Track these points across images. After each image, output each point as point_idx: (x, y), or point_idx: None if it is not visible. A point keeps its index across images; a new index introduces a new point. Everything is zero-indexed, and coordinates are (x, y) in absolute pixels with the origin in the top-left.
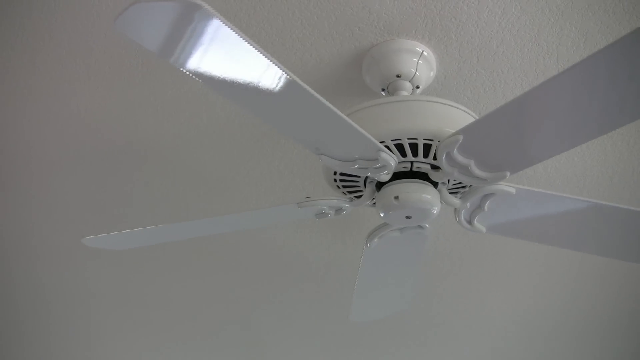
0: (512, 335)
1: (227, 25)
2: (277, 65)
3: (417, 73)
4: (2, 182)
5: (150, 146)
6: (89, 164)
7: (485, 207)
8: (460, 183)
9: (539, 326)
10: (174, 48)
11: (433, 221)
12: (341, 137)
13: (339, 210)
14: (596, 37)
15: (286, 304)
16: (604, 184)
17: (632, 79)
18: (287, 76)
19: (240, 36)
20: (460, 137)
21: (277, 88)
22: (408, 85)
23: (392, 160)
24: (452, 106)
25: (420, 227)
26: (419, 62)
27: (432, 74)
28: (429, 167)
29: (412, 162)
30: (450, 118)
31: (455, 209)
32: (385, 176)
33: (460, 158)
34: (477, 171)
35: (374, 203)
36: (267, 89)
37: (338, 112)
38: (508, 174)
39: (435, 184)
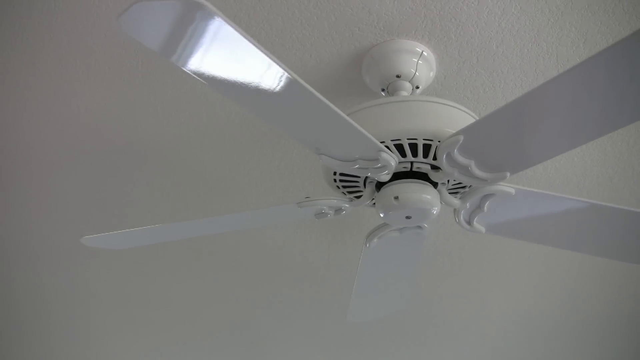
0: (512, 335)
1: (229, 24)
2: (278, 65)
3: (416, 73)
4: (2, 182)
5: (150, 146)
6: (89, 164)
7: (485, 208)
8: (459, 183)
9: (539, 326)
10: (176, 47)
11: (432, 221)
12: (342, 137)
13: (338, 210)
14: (596, 37)
15: (286, 304)
16: (604, 184)
17: (632, 81)
18: (289, 75)
19: (242, 35)
20: (461, 138)
21: (279, 87)
22: (408, 85)
23: (393, 161)
24: (451, 106)
25: (419, 227)
26: (419, 62)
27: (431, 74)
28: (429, 167)
29: (412, 163)
30: (450, 118)
31: (454, 210)
32: (385, 176)
33: (460, 158)
34: (478, 171)
35: (374, 203)
36: (269, 88)
37: (339, 111)
38: (508, 174)
39: (435, 184)
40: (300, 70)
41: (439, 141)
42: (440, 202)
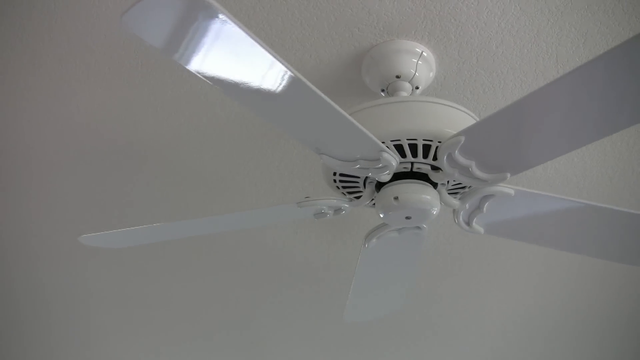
0: (511, 336)
1: (234, 21)
2: (281, 63)
3: (416, 74)
4: (2, 182)
5: (150, 146)
6: (89, 164)
7: (484, 209)
8: (459, 184)
9: (539, 326)
10: (179, 45)
11: (431, 222)
12: (343, 137)
13: (338, 210)
14: (595, 37)
15: (286, 304)
16: (604, 185)
17: (632, 83)
18: (292, 74)
19: (246, 32)
20: (462, 138)
21: (281, 85)
22: (407, 85)
23: (394, 161)
24: (451, 107)
25: (418, 227)
26: (419, 62)
27: (431, 74)
28: (429, 167)
29: (412, 163)
30: (449, 119)
31: (454, 210)
32: (385, 177)
33: (461, 159)
34: (478, 172)
35: (374, 204)
36: (271, 86)
37: (341, 111)
38: (509, 175)
39: (434, 185)
40: (300, 70)
41: (439, 142)
42: (440, 203)
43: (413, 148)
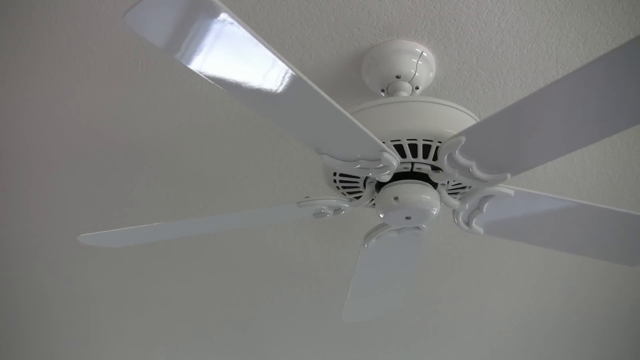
0: (511, 336)
1: (236, 20)
2: (283, 62)
3: (416, 74)
4: (2, 182)
5: (150, 146)
6: (88, 164)
7: (484, 209)
8: (459, 184)
9: (539, 326)
10: (181, 43)
11: (431, 222)
12: (344, 136)
13: (337, 210)
14: (595, 37)
15: (286, 304)
16: (604, 185)
17: (632, 85)
18: (293, 73)
19: (248, 31)
20: (463, 139)
21: (283, 84)
22: (407, 86)
23: (395, 161)
24: (451, 107)
25: (418, 227)
26: (419, 62)
27: (431, 74)
28: (429, 168)
29: (412, 163)
30: (449, 119)
31: (453, 210)
32: (386, 177)
33: (462, 159)
34: (479, 173)
35: (373, 204)
36: (272, 85)
37: (343, 111)
38: (509, 175)
39: (434, 185)
40: (300, 70)
41: (439, 142)
42: (440, 203)
43: (413, 148)
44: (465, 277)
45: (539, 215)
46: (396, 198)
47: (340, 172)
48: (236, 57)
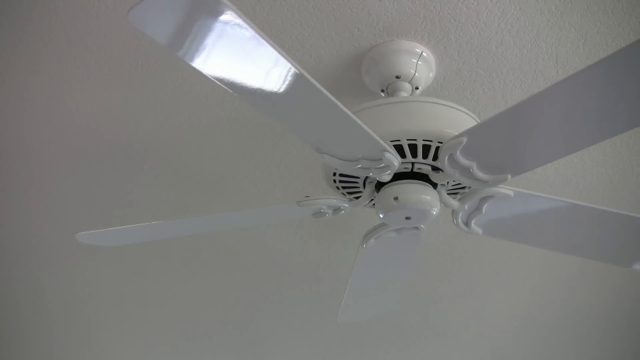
0: (511, 336)
1: (240, 17)
2: (286, 59)
3: (416, 74)
4: (2, 182)
5: (150, 146)
6: (88, 164)
7: (483, 210)
8: (458, 184)
9: (539, 326)
10: (184, 40)
11: (431, 222)
12: (346, 136)
13: (337, 210)
14: (595, 38)
15: (286, 304)
16: (604, 185)
17: (632, 86)
18: (296, 70)
19: (252, 28)
20: (464, 139)
21: (285, 82)
22: (407, 86)
23: (396, 161)
24: (451, 107)
25: (417, 228)
26: (418, 63)
27: (431, 74)
28: (429, 168)
29: (413, 163)
30: (449, 119)
31: (452, 211)
32: (386, 177)
33: (462, 160)
34: (479, 173)
35: (373, 204)
36: (275, 83)
37: (345, 109)
38: (509, 176)
39: (434, 185)
40: None
41: (439, 142)
42: (440, 203)
43: (413, 148)
44: (465, 277)
45: (538, 216)
46: (396, 198)
47: (341, 172)
48: (239, 54)
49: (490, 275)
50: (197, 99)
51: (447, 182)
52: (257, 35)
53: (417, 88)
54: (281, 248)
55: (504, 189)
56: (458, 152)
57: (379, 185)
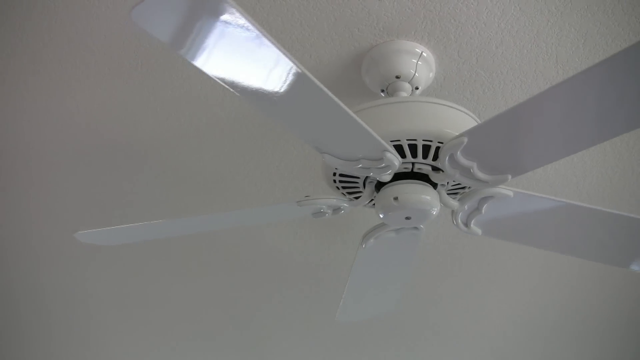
0: (511, 336)
1: (243, 15)
2: (288, 58)
3: (416, 74)
4: (2, 182)
5: (150, 146)
6: (88, 164)
7: (483, 210)
8: (458, 184)
9: (539, 326)
10: (186, 39)
11: (431, 222)
12: (347, 135)
13: (337, 209)
14: (595, 38)
15: (286, 304)
16: (604, 185)
17: (632, 88)
18: (298, 69)
19: (254, 26)
20: (465, 140)
21: (287, 81)
22: (407, 86)
23: (397, 161)
24: (451, 107)
25: (416, 228)
26: (418, 63)
27: (431, 75)
28: (429, 168)
29: (413, 163)
30: (449, 119)
31: (452, 211)
32: (387, 177)
33: (463, 160)
34: (479, 174)
35: (373, 204)
36: (276, 82)
37: (346, 109)
38: (509, 177)
39: (434, 185)
40: None
41: (439, 142)
42: (440, 203)
43: (413, 148)
44: (465, 277)
45: (538, 217)
46: (396, 198)
47: (341, 172)
48: (241, 53)
49: (490, 275)
50: (197, 99)
51: (447, 183)
52: (260, 34)
53: (417, 88)
54: (281, 248)
55: (504, 190)
56: (459, 152)
57: (379, 185)
